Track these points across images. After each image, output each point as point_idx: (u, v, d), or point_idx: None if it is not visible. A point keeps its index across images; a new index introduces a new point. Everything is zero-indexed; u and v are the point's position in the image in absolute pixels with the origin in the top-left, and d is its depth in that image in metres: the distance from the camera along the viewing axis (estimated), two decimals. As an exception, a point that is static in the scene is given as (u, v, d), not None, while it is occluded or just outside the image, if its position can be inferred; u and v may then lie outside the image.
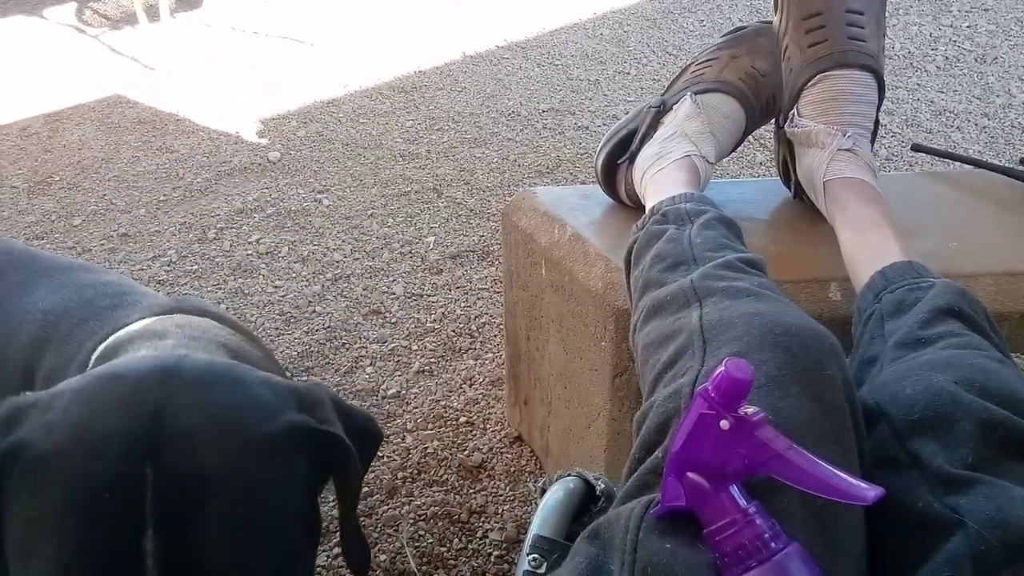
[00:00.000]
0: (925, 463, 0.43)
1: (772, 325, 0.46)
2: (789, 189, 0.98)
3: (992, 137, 1.97)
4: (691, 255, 0.62)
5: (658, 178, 0.87)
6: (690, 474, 0.35)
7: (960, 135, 1.98)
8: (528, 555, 0.49)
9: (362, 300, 1.53)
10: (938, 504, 0.41)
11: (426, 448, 1.21)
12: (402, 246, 1.68)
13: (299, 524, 0.50)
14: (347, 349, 1.41)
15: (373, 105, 2.33)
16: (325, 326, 1.47)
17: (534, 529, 0.51)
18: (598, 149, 1.00)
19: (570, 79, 2.39)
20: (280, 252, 1.67)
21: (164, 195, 1.91)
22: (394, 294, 1.55)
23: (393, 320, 1.48)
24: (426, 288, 1.56)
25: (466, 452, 1.20)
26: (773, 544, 0.32)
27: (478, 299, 1.53)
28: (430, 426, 1.25)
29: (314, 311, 1.51)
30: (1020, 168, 0.98)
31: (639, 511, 0.39)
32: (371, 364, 1.38)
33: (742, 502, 0.34)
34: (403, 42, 2.76)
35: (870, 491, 0.33)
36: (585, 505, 0.55)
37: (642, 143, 0.95)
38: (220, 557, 0.45)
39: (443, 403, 1.29)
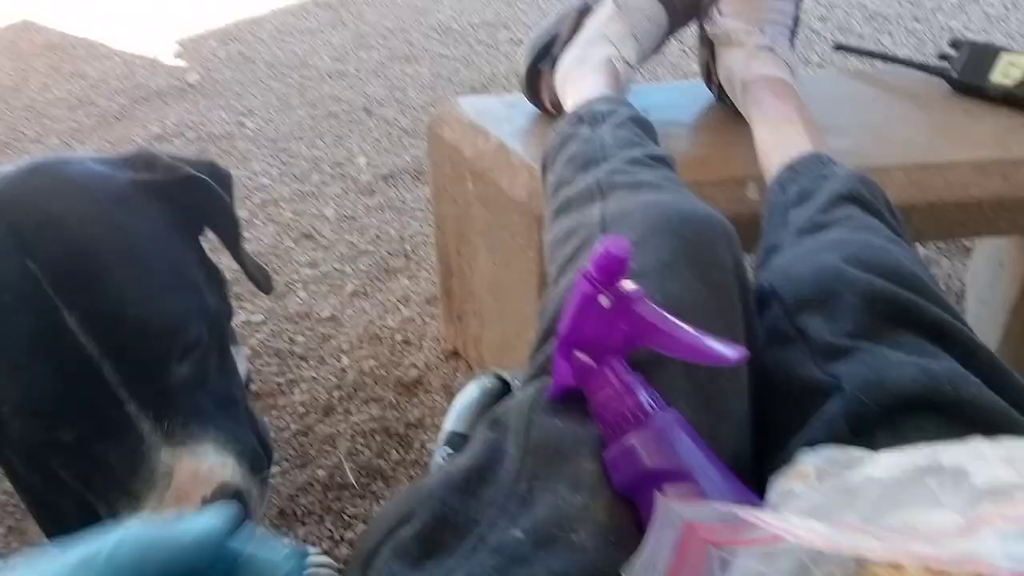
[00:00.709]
0: (810, 336, 0.45)
1: (668, 213, 0.47)
2: (712, 92, 0.98)
3: (921, 40, 1.99)
4: (602, 154, 0.61)
5: (578, 82, 0.86)
6: (577, 353, 0.36)
7: (891, 39, 1.99)
8: (441, 449, 0.50)
9: (292, 224, 1.50)
10: (819, 372, 0.42)
11: (362, 368, 1.21)
12: (332, 168, 1.64)
13: (190, 267, 0.56)
14: (278, 274, 1.38)
15: (297, 22, 2.22)
16: (254, 252, 1.43)
17: (447, 426, 0.51)
18: (521, 56, 0.98)
19: (504, -9, 2.31)
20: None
21: (77, 123, 1.81)
22: (325, 217, 1.51)
23: (325, 243, 1.45)
24: (358, 210, 1.53)
25: (402, 369, 1.21)
26: (652, 412, 0.33)
27: (412, 219, 1.51)
28: (365, 346, 1.25)
29: (243, 236, 1.47)
30: (937, 64, 0.99)
31: (532, 394, 0.40)
32: (303, 288, 1.36)
33: (624, 375, 0.35)
34: (327, -46, 2.62)
35: (733, 352, 0.34)
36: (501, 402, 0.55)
37: (564, 48, 0.92)
38: (137, 305, 0.49)
39: (378, 323, 1.29)
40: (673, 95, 1.04)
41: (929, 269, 0.52)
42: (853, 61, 1.81)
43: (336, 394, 1.17)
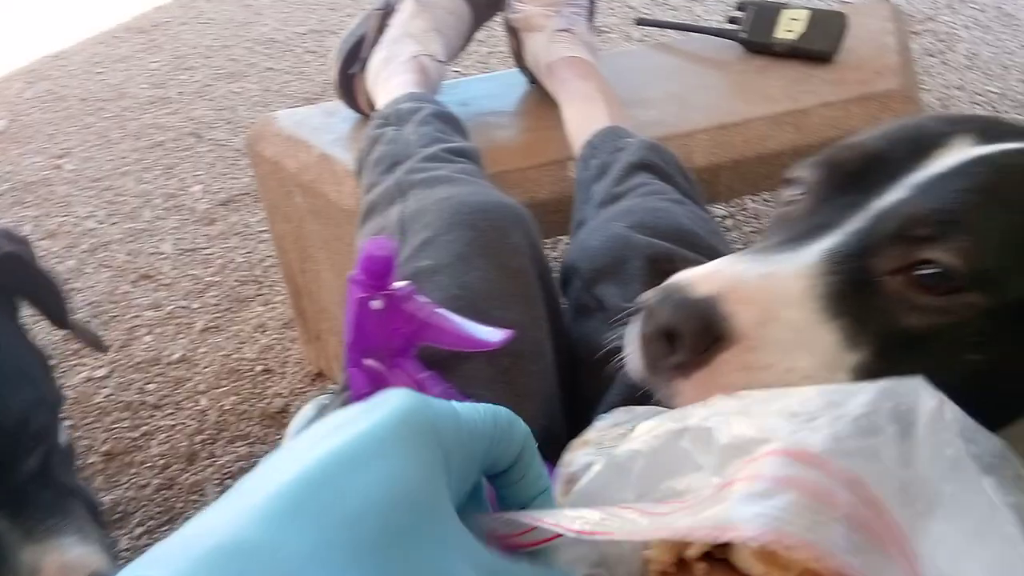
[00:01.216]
0: (607, 304, 0.47)
1: (460, 206, 0.47)
2: (526, 77, 1.00)
3: (730, 6, 2.11)
4: (406, 153, 0.61)
5: (387, 82, 0.85)
6: (366, 361, 0.35)
7: (703, 8, 2.10)
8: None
9: (128, 267, 1.41)
10: (615, 338, 0.44)
11: (223, 406, 1.15)
12: (165, 201, 1.55)
13: (22, 355, 0.56)
14: (118, 322, 1.30)
15: (109, 51, 2.08)
16: (89, 302, 1.33)
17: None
18: (331, 62, 0.96)
19: (326, -4, 2.25)
20: (23, 231, 1.48)
21: None
22: (163, 254, 1.43)
23: (167, 282, 1.37)
24: (199, 241, 1.45)
25: (266, 400, 1.16)
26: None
27: (258, 243, 1.45)
28: (224, 383, 1.19)
29: (72, 288, 1.36)
30: (729, 27, 1.05)
31: (335, 408, 0.39)
32: (148, 332, 1.28)
33: (416, 374, 0.35)
34: (133, -24, 2.46)
35: (496, 337, 0.35)
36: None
37: (371, 49, 0.91)
38: None
39: (235, 357, 1.23)
40: (492, 85, 1.05)
41: (712, 223, 0.55)
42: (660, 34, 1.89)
43: (198, 439, 1.11)
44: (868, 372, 0.33)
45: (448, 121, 0.70)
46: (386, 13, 0.92)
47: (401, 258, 0.46)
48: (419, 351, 0.36)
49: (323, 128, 0.97)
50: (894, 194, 0.35)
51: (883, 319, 0.34)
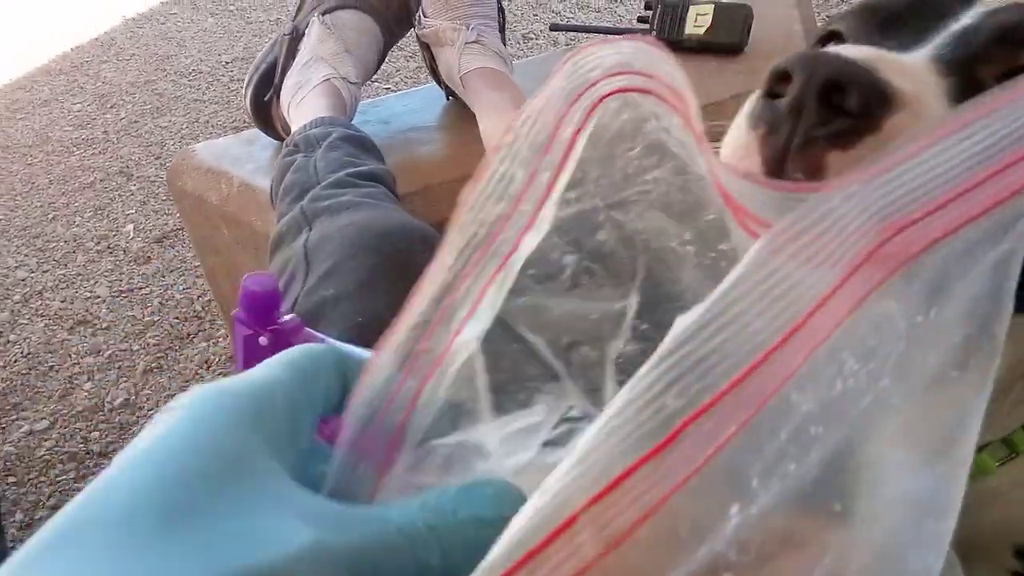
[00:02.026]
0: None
1: (363, 231, 0.47)
2: (444, 91, 1.00)
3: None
4: (315, 180, 0.61)
5: (300, 108, 0.85)
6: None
7: (625, 9, 2.13)
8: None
9: (63, 314, 1.37)
10: None
11: (169, 446, 1.13)
12: (97, 243, 1.52)
13: None
14: (56, 371, 1.26)
15: (29, 96, 2.03)
16: (24, 353, 1.30)
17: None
18: (243, 90, 0.95)
19: (250, 23, 2.23)
20: (-50, 287, 1.43)
21: None
22: (99, 297, 1.40)
23: (104, 325, 1.34)
24: (135, 281, 1.43)
25: (214, 436, 1.14)
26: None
27: (197, 277, 1.43)
28: (170, 422, 1.17)
29: (7, 341, 1.32)
30: (640, 27, 1.07)
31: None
32: (89, 379, 1.25)
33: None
34: (49, 17, 2.41)
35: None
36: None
37: (283, 75, 0.91)
38: None
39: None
40: (413, 100, 1.05)
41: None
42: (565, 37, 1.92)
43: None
44: None
45: (359, 144, 0.70)
46: (294, 38, 0.92)
47: (305, 288, 0.46)
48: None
49: (243, 158, 0.97)
50: (963, 20, 0.34)
51: None
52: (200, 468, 0.17)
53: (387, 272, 0.44)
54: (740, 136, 0.31)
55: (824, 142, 0.28)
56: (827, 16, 1.83)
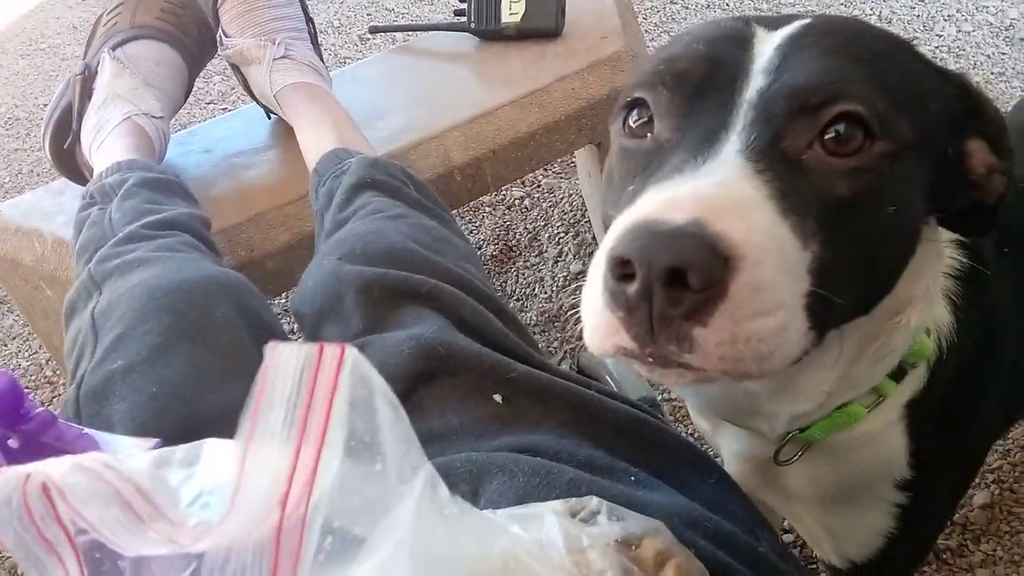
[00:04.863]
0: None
1: (154, 290, 0.44)
2: (263, 110, 0.96)
3: None
4: (109, 236, 0.57)
5: (102, 151, 0.79)
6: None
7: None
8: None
9: None
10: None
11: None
12: (-80, 323, 1.37)
13: None
14: None
15: None
16: None
17: None
18: (41, 139, 0.88)
19: (65, 60, 2.08)
20: None
21: None
22: (-71, 382, 1.27)
23: (-61, 411, 1.22)
24: (-29, 357, 1.30)
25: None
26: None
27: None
28: (28, 504, 1.08)
29: None
30: (458, 20, 1.06)
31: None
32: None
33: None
34: None
35: (145, 446, 0.33)
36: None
37: (80, 118, 0.84)
38: None
39: (36, 472, 1.12)
40: (234, 124, 1.00)
41: (443, 227, 0.55)
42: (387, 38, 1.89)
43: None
44: (819, 267, 0.32)
45: (160, 187, 0.66)
46: (87, 77, 0.86)
47: (93, 362, 0.42)
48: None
49: (54, 211, 0.89)
50: (755, 83, 0.35)
51: (817, 199, 0.33)
52: None
53: (182, 332, 0.41)
54: (601, 313, 0.32)
55: (681, 320, 0.30)
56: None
